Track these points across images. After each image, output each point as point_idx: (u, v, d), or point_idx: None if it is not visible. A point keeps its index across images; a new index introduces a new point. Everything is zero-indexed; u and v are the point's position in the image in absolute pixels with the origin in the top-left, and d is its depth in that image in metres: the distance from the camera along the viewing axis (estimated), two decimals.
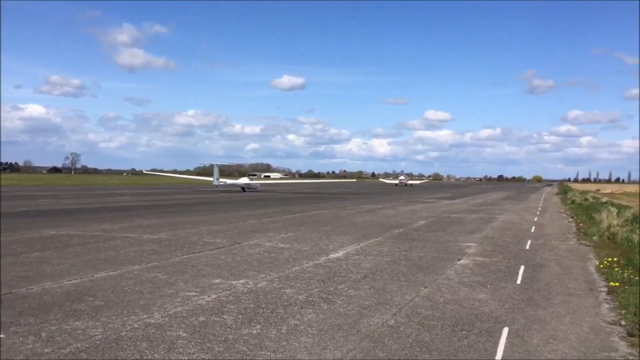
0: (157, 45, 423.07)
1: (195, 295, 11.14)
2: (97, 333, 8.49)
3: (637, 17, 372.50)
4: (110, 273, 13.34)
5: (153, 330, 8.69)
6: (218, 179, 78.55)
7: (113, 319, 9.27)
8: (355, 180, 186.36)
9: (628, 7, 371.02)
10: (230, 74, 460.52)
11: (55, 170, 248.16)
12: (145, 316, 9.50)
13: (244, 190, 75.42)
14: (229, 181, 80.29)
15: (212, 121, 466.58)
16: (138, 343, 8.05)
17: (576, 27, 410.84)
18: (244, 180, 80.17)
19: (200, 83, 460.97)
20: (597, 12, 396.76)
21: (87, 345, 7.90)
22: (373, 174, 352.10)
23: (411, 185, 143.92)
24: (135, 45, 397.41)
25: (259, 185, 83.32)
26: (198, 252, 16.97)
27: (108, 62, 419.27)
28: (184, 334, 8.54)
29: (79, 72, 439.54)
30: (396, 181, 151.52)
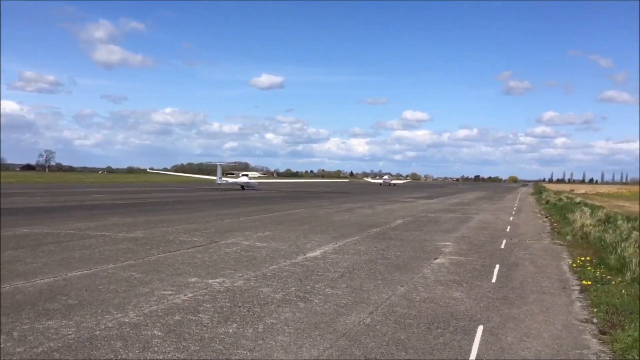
0: (134, 42, 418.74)
1: (171, 294, 11.05)
2: (71, 332, 8.37)
3: (609, 19, 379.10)
4: (85, 272, 13.17)
5: (128, 330, 8.59)
6: (221, 178, 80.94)
7: (87, 318, 9.15)
8: (347, 180, 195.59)
9: (603, 9, 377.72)
10: (208, 72, 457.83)
11: (28, 167, 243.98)
12: (119, 315, 9.40)
13: (243, 189, 77.39)
14: (231, 180, 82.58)
15: (190, 119, 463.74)
16: (112, 342, 7.96)
17: (552, 29, 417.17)
18: (244, 179, 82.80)
19: (178, 81, 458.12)
20: (572, 14, 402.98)
21: (60, 345, 7.78)
22: (351, 174, 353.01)
23: (394, 184, 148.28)
24: (111, 41, 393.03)
25: (257, 183, 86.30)
26: (174, 251, 16.84)
27: (84, 59, 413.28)
28: (159, 333, 8.46)
29: (53, 68, 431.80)
30: (380, 181, 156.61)
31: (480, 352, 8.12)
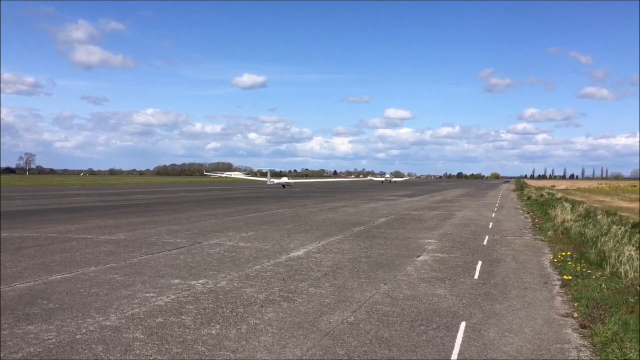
0: (114, 43, 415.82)
1: (153, 296, 10.97)
2: (51, 337, 8.27)
3: (588, 16, 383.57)
4: (65, 275, 13.03)
5: (109, 333, 8.51)
6: (270, 179, 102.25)
7: (67, 322, 9.05)
8: (352, 179, 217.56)
9: (582, 6, 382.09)
10: (190, 72, 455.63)
11: (8, 171, 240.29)
12: (101, 319, 9.31)
13: (284, 187, 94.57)
14: (276, 180, 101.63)
15: (172, 120, 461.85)
16: (93, 346, 7.88)
17: (531, 26, 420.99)
18: (285, 179, 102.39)
19: (159, 81, 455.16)
20: (552, 11, 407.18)
21: (40, 350, 7.69)
22: (335, 172, 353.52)
23: (395, 182, 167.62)
24: (91, 42, 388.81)
25: (293, 183, 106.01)
26: (157, 253, 16.72)
27: (63, 60, 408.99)
28: (141, 336, 8.39)
29: (32, 69, 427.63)
30: (382, 179, 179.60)
31: (462, 348, 8.17)
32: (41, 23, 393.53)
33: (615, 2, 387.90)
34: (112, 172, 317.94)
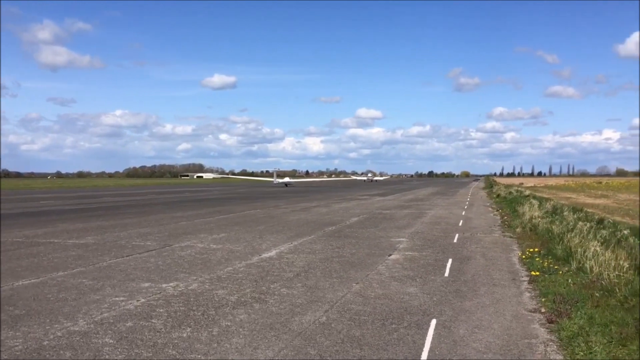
0: (81, 43, 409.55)
1: (123, 300, 10.84)
2: (17, 344, 8.11)
3: (554, 16, 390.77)
4: (33, 281, 12.78)
5: (77, 338, 8.38)
6: (276, 180, 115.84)
7: (35, 329, 8.88)
8: (341, 179, 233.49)
9: (548, 7, 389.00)
10: (159, 73, 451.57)
11: None
12: (69, 324, 9.16)
13: (287, 186, 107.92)
14: (280, 180, 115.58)
15: (142, 121, 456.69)
16: (61, 352, 7.75)
17: (499, 26, 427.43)
18: (287, 179, 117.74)
19: (128, 82, 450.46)
20: (518, 11, 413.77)
21: (5, 357, 7.53)
22: (307, 172, 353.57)
23: (376, 180, 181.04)
24: (57, 42, 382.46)
25: (294, 182, 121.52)
26: (127, 256, 16.51)
27: (28, 61, 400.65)
28: (111, 341, 8.28)
29: None
30: (364, 178, 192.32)
31: (433, 345, 8.26)
32: (6, 23, 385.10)
33: (580, 2, 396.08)
34: (80, 175, 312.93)
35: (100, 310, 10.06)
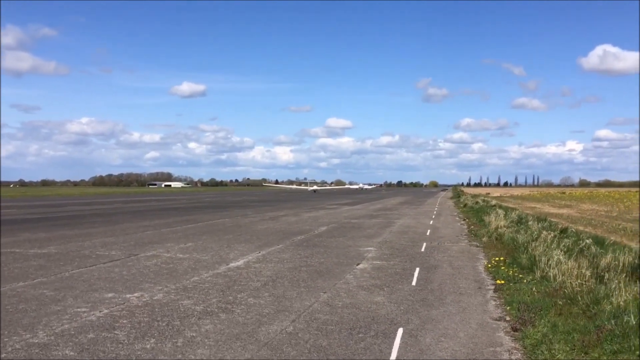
0: (45, 49, 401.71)
1: (85, 311, 10.59)
2: None
3: (520, 28, 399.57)
4: None
5: (37, 351, 8.15)
6: (309, 188, 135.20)
7: None
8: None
9: (515, 19, 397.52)
10: (126, 80, 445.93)
11: None
12: (28, 336, 8.90)
13: (315, 192, 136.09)
14: (310, 188, 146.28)
15: (108, 129, 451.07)
16: None
17: (467, 37, 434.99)
18: (315, 187, 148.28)
19: (94, 89, 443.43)
20: (486, 23, 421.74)
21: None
22: (276, 182, 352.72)
23: (366, 189, 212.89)
24: (20, 48, 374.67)
25: (320, 189, 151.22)
26: (90, 266, 16.17)
27: None
28: (72, 353, 8.07)
29: None
30: (357, 186, 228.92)
31: (400, 354, 8.27)
32: None
33: (546, 15, 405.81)
34: (45, 183, 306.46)
35: (61, 322, 9.80)
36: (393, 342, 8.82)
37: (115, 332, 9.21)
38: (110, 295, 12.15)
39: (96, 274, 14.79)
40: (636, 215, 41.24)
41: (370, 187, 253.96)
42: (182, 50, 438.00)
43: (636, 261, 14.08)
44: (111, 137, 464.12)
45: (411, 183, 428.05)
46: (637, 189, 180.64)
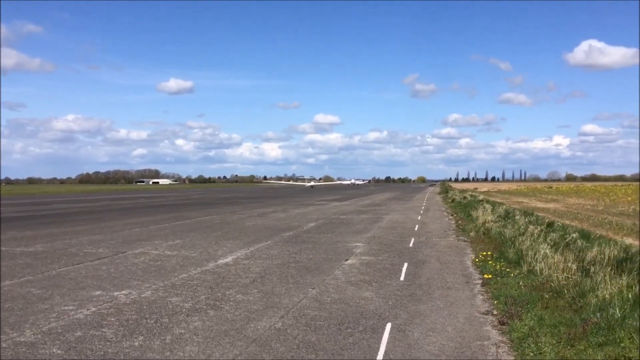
0: (31, 46, 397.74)
1: (72, 310, 10.53)
2: None
3: (507, 23, 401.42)
4: None
5: (24, 349, 8.10)
6: (307, 184, 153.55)
7: None
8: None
9: (501, 14, 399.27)
10: (113, 77, 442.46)
11: None
12: (15, 335, 8.84)
13: (312, 187, 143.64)
14: (308, 184, 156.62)
15: (95, 126, 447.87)
16: None
17: (454, 33, 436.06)
18: (312, 183, 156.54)
19: (80, 86, 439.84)
20: (473, 19, 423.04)
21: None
22: (265, 178, 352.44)
23: (358, 185, 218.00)
24: (6, 44, 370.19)
25: (317, 185, 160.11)
26: (77, 264, 16.07)
27: None
28: (59, 351, 8.03)
29: None
30: (349, 182, 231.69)
31: (388, 349, 8.32)
32: None
33: (532, 11, 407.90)
34: (31, 181, 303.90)
35: (49, 320, 9.75)
36: (381, 337, 8.87)
37: (103, 330, 9.18)
38: (97, 293, 12.09)
39: (83, 272, 14.70)
40: (622, 209, 41.65)
41: (362, 182, 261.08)
42: (169, 47, 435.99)
43: (622, 254, 14.24)
44: (98, 134, 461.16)
45: (399, 179, 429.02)
46: (623, 183, 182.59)
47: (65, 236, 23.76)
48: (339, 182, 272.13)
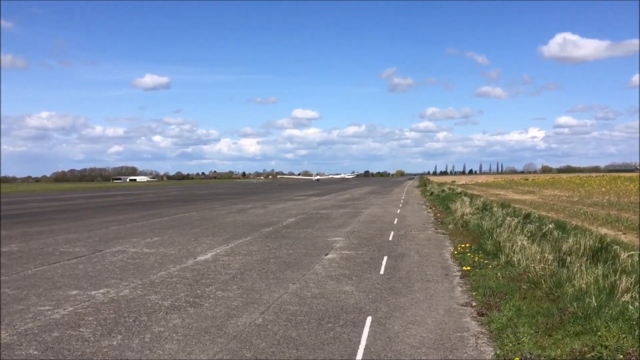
0: (2, 41, 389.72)
1: (49, 310, 10.38)
2: None
3: (482, 17, 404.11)
4: None
5: None
6: (315, 177, 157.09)
7: None
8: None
9: (477, 8, 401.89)
10: (87, 73, 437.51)
11: None
12: None
13: (318, 181, 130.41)
14: (314, 178, 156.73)
15: (70, 123, 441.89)
16: None
17: (431, 27, 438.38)
18: (317, 177, 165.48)
19: (53, 82, 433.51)
20: (449, 13, 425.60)
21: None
22: (244, 174, 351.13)
23: (348, 179, 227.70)
24: None
25: (321, 179, 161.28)
26: (54, 263, 15.84)
27: None
28: (35, 352, 7.90)
29: None
30: (340, 177, 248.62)
31: (368, 342, 8.33)
32: None
33: (507, 3, 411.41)
34: (4, 180, 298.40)
35: (25, 321, 9.59)
36: (362, 331, 8.89)
37: (81, 329, 9.05)
38: (74, 292, 11.92)
39: (60, 271, 14.49)
40: (596, 200, 42.33)
41: (351, 176, 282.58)
42: (144, 41, 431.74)
43: (597, 244, 14.45)
44: (72, 131, 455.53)
45: (378, 173, 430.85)
46: (597, 174, 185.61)
47: (41, 235, 23.40)
48: (330, 176, 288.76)
